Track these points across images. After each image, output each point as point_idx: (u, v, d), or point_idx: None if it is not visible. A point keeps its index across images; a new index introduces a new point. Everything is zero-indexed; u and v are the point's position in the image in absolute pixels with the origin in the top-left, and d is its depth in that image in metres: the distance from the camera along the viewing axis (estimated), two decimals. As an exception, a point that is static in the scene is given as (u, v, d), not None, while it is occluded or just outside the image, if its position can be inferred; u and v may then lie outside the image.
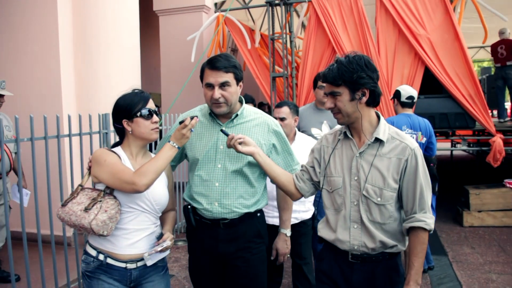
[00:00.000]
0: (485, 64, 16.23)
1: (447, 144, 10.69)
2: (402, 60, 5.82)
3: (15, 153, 3.99)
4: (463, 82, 5.65)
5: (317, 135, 3.71)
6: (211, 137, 2.22)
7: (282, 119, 3.14)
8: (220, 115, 2.21)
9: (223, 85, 2.10)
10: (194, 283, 2.38)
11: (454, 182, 7.62)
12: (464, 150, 11.77)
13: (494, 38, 8.81)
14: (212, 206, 2.19)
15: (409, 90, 4.01)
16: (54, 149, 3.28)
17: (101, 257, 2.01)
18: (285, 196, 2.30)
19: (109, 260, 2.00)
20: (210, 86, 2.12)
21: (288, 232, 2.48)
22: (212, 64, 2.10)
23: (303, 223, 3.07)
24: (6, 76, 4.74)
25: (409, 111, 4.05)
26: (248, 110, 2.29)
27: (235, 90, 2.15)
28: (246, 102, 2.34)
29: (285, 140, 2.33)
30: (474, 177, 8.39)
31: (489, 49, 12.90)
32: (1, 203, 3.89)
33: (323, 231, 2.02)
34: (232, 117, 2.22)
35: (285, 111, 3.21)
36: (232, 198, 2.20)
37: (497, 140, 5.62)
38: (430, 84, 5.88)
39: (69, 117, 3.30)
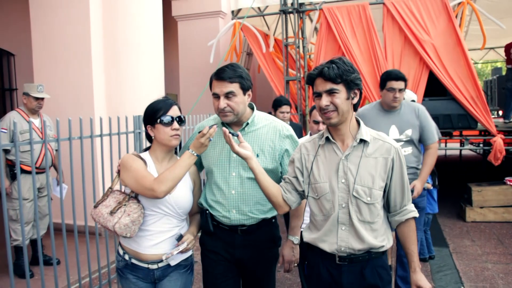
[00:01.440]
0: (499, 65, 16.25)
1: (456, 145, 10.96)
2: (408, 65, 6.17)
3: (56, 150, 4.44)
4: (465, 85, 5.98)
5: None
6: (224, 145, 2.24)
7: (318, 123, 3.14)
8: (231, 123, 2.24)
9: (228, 95, 2.13)
10: (206, 285, 2.39)
11: (461, 181, 7.92)
12: (471, 150, 11.98)
13: (508, 39, 8.93)
14: (230, 213, 2.23)
15: (410, 95, 4.37)
16: (88, 148, 3.64)
17: (126, 257, 2.16)
18: None
19: (133, 260, 2.14)
20: (216, 96, 2.16)
21: (295, 239, 2.39)
22: (218, 74, 2.15)
23: None
24: (42, 80, 5.21)
25: None
26: (259, 117, 2.32)
27: (241, 100, 2.16)
28: None
29: (297, 144, 2.31)
30: (480, 175, 8.66)
31: (499, 50, 13.07)
32: (44, 195, 4.35)
33: (308, 236, 2.02)
34: (244, 126, 2.24)
35: None
36: (249, 204, 2.23)
37: (498, 140, 5.93)
38: (434, 87, 6.22)
39: (100, 119, 3.63)
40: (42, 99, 4.42)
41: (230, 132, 2.00)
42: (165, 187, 1.99)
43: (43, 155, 4.23)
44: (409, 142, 3.48)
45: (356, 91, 1.88)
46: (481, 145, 9.05)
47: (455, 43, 5.97)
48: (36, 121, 4.35)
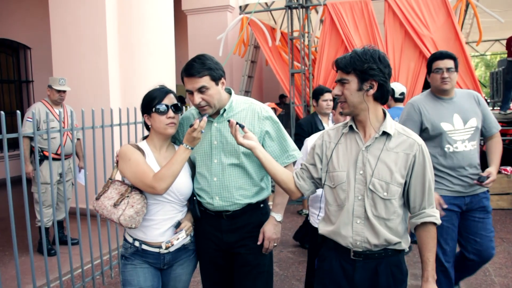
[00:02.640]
0: (506, 56, 16.30)
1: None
2: (408, 58, 6.45)
3: (78, 139, 4.79)
4: (462, 78, 6.24)
5: (450, 133, 2.94)
6: (205, 134, 2.24)
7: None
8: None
9: (201, 89, 2.10)
10: (202, 271, 2.42)
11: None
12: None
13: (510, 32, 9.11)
14: (214, 200, 2.24)
15: (400, 88, 4.70)
16: (106, 137, 3.87)
17: (136, 243, 2.16)
18: None
19: (144, 246, 2.15)
20: (190, 92, 2.15)
21: (278, 217, 2.32)
22: (187, 71, 2.12)
23: None
24: (60, 74, 5.54)
25: (401, 105, 4.73)
26: (237, 101, 2.29)
27: (215, 91, 2.14)
28: None
29: (278, 125, 2.30)
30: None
31: (504, 42, 13.20)
32: (68, 179, 4.71)
33: (323, 228, 1.98)
34: (221, 112, 2.22)
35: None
36: (231, 190, 2.23)
37: (493, 130, 6.19)
38: (433, 80, 6.48)
39: (120, 109, 3.94)
40: (64, 91, 4.74)
41: (237, 123, 2.00)
42: (165, 184, 2.01)
43: (64, 143, 4.58)
44: (475, 134, 2.99)
45: (372, 82, 1.78)
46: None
47: (453, 37, 6.23)
48: (58, 111, 4.69)
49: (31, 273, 3.08)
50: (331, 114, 4.19)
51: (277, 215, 2.32)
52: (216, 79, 2.14)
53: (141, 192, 2.09)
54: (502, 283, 3.91)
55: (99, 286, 3.81)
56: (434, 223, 1.86)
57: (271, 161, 2.02)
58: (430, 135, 2.95)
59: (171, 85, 6.02)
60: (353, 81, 1.80)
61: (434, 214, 1.86)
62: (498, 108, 9.16)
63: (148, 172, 2.03)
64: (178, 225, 2.16)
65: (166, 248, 2.10)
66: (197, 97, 2.11)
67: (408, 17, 6.37)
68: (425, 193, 1.84)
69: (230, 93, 2.30)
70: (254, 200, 2.28)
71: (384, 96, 1.83)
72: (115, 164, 2.19)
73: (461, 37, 6.20)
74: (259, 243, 2.29)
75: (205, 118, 2.03)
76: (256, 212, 2.31)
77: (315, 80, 7.08)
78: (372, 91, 1.80)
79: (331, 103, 4.33)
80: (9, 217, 2.78)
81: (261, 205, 2.34)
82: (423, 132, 2.95)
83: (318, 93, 4.44)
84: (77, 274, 3.77)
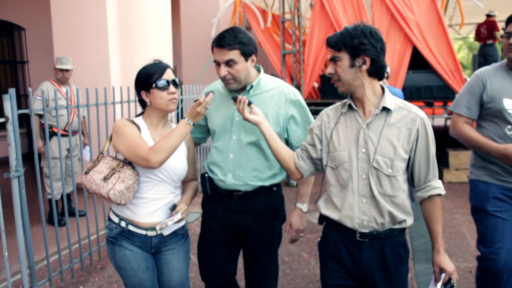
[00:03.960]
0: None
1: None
2: (393, 40, 6.81)
3: (83, 117, 5.06)
4: (445, 59, 6.63)
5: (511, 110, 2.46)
6: (228, 108, 2.18)
7: None
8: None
9: (228, 62, 2.04)
10: (201, 249, 2.34)
11: (442, 146, 8.64)
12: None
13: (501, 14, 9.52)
14: (226, 177, 2.18)
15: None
16: (107, 114, 4.10)
17: (123, 224, 2.04)
18: None
19: (131, 227, 2.03)
20: (217, 63, 2.08)
21: (304, 207, 2.26)
22: (218, 41, 2.05)
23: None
24: (62, 54, 5.76)
25: (386, 83, 5.07)
26: (266, 80, 2.21)
27: (243, 67, 2.06)
28: None
29: (305, 110, 2.22)
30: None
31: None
32: (74, 154, 4.99)
33: (326, 210, 1.91)
34: (248, 88, 2.15)
35: None
36: (246, 170, 2.17)
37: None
38: (418, 61, 6.87)
39: (121, 88, 4.22)
40: (67, 70, 4.98)
41: (233, 99, 1.98)
42: (160, 157, 1.89)
43: (72, 120, 4.84)
44: None
45: (364, 57, 1.73)
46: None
47: (436, 21, 6.59)
48: (65, 90, 4.93)
49: (44, 242, 3.32)
50: None
51: (303, 206, 2.27)
52: (246, 55, 2.07)
53: (133, 167, 2.00)
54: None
55: (104, 254, 4.07)
56: (440, 194, 1.84)
57: (275, 139, 1.98)
58: (489, 111, 2.49)
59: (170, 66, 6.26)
60: (345, 58, 1.75)
61: (439, 186, 1.84)
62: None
63: (143, 145, 1.92)
64: (173, 208, 2.05)
65: (160, 229, 2.00)
66: (223, 70, 2.06)
67: (394, 0, 6.70)
68: (429, 166, 1.81)
69: (259, 71, 2.22)
70: (267, 183, 2.21)
71: (378, 71, 1.78)
72: (108, 138, 2.12)
73: (443, 20, 6.56)
74: (286, 234, 2.27)
75: (211, 94, 1.95)
76: (269, 196, 2.25)
77: (306, 60, 7.40)
78: (365, 67, 1.74)
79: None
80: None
81: (274, 188, 2.27)
82: (483, 108, 2.51)
83: None
84: (84, 243, 4.00)
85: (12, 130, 2.75)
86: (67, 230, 3.55)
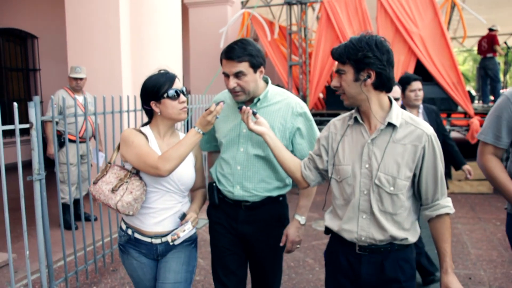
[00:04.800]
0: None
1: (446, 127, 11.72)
2: (397, 52, 6.95)
3: (98, 124, 5.21)
4: (447, 72, 6.79)
5: None
6: (236, 120, 2.19)
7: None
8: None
9: (237, 74, 2.05)
10: (215, 259, 2.36)
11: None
12: (458, 132, 12.77)
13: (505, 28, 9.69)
14: (234, 188, 2.19)
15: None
16: (118, 121, 4.25)
17: (129, 231, 2.09)
18: None
19: (136, 235, 2.07)
20: (226, 75, 2.09)
21: (302, 220, 2.27)
22: (227, 54, 2.06)
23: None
24: (75, 63, 5.95)
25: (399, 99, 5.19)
26: (273, 92, 2.22)
27: (252, 78, 2.07)
28: None
29: (311, 123, 2.23)
30: (464, 153, 9.46)
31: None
32: (85, 161, 5.16)
33: (329, 221, 1.91)
34: (255, 101, 2.16)
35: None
36: (254, 181, 2.18)
37: (474, 121, 6.75)
38: (421, 73, 6.99)
39: (135, 97, 4.39)
40: (81, 79, 5.16)
41: (240, 109, 1.99)
42: (170, 166, 1.91)
43: (87, 127, 5.00)
44: None
45: (369, 71, 1.68)
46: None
47: (440, 34, 6.76)
48: (80, 98, 5.11)
49: (61, 243, 3.48)
50: (421, 106, 3.80)
51: (301, 218, 2.27)
52: (255, 67, 2.07)
53: (140, 178, 2.01)
54: (476, 254, 4.45)
55: (116, 257, 4.22)
56: (448, 213, 1.78)
57: (280, 149, 1.98)
58: None
59: (179, 75, 6.45)
60: (349, 71, 1.71)
61: (448, 205, 1.78)
62: (481, 101, 9.79)
63: (152, 153, 1.94)
64: (183, 217, 2.05)
65: (172, 241, 1.99)
66: (232, 82, 2.06)
67: (398, 14, 6.89)
68: (437, 184, 1.75)
69: (267, 82, 2.24)
70: (274, 194, 2.23)
71: (385, 84, 1.71)
72: (115, 148, 2.13)
73: (446, 34, 6.72)
74: (281, 244, 2.26)
75: (222, 104, 1.96)
76: (275, 206, 2.27)
77: (312, 72, 7.58)
78: (370, 81, 1.69)
79: (421, 93, 3.68)
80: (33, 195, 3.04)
81: (280, 198, 2.30)
82: None
83: (404, 82, 3.70)
84: (98, 246, 4.11)
85: (36, 136, 2.91)
86: (83, 233, 3.67)
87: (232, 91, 2.11)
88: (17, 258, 3.72)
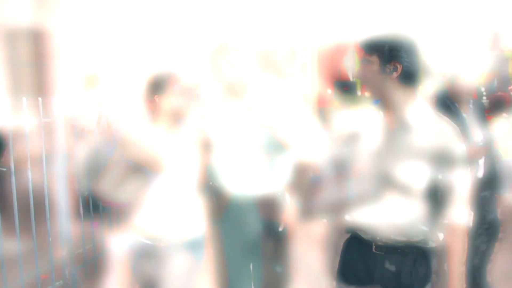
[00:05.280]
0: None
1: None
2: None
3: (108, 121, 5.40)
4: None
5: None
6: (230, 122, 2.23)
7: None
8: None
9: None
10: (229, 259, 2.35)
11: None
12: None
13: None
14: (231, 188, 2.23)
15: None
16: None
17: (134, 232, 2.08)
18: None
19: (140, 236, 2.07)
20: None
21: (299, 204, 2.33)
22: None
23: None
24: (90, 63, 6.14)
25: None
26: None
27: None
28: None
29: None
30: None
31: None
32: (99, 155, 5.33)
33: (347, 219, 1.86)
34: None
35: None
36: (252, 181, 2.22)
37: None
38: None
39: None
40: (94, 78, 5.37)
41: None
42: (173, 162, 1.98)
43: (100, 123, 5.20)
44: None
45: (396, 64, 1.61)
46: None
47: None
48: (93, 96, 5.30)
49: (81, 232, 3.62)
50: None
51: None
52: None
53: (143, 175, 2.01)
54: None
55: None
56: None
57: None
58: None
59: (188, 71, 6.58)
60: (375, 62, 1.63)
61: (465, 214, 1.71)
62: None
63: (155, 150, 1.97)
64: (190, 218, 2.08)
65: (181, 242, 2.03)
66: None
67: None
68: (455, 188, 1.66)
69: None
70: (278, 193, 2.28)
71: (411, 78, 1.64)
72: (118, 145, 2.18)
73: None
74: (280, 229, 2.29)
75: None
76: (280, 205, 2.31)
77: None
78: (395, 74, 1.62)
79: None
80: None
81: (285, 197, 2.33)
82: None
83: None
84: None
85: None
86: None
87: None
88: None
